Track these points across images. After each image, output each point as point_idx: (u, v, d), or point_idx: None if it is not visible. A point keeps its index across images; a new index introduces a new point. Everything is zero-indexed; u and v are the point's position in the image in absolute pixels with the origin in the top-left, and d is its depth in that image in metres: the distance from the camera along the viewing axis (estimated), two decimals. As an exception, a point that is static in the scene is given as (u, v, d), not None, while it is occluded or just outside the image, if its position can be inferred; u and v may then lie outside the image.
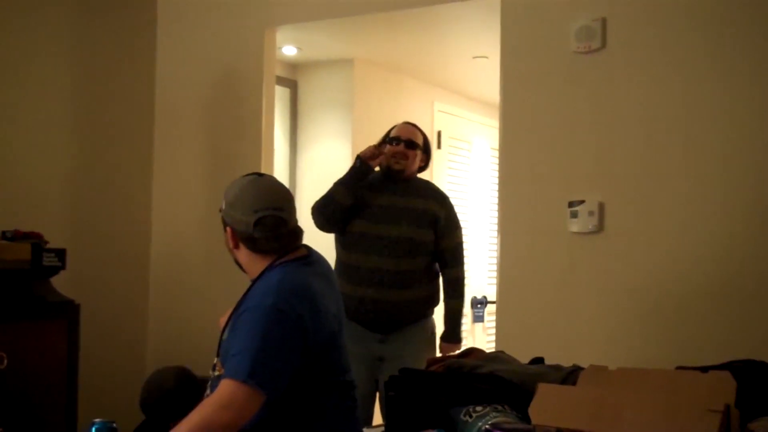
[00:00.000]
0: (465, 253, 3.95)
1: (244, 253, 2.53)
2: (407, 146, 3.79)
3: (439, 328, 3.90)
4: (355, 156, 3.86)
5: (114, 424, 2.35)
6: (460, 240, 3.90)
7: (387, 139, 3.83)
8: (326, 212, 3.68)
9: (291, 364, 2.35)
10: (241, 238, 2.50)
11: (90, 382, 3.51)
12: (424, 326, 3.79)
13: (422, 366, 3.44)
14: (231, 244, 2.54)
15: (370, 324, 3.64)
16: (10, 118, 3.99)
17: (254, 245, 2.49)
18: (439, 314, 3.91)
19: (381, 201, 3.74)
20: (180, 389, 3.19)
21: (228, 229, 2.53)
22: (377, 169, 3.80)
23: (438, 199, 3.87)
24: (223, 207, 2.53)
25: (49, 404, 3.46)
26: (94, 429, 2.32)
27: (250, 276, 2.53)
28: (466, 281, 6.13)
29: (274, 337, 2.32)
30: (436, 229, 3.78)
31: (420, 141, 3.86)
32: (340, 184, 3.70)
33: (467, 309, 6.29)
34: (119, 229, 4.55)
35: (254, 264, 2.51)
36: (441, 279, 3.87)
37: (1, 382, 3.28)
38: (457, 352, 3.00)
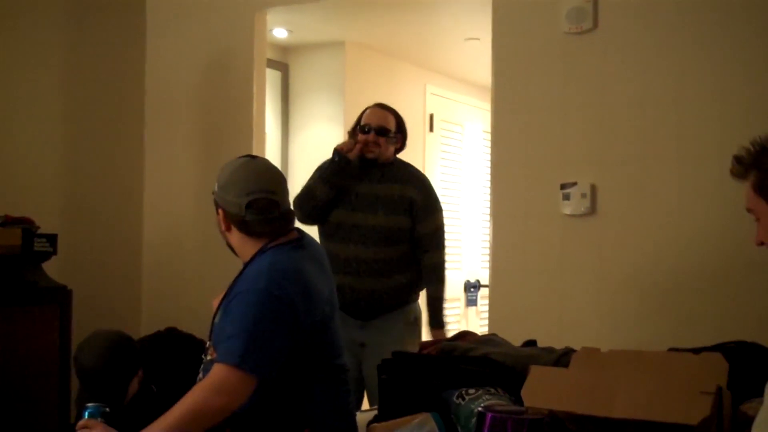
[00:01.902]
0: (447, 237, 3.83)
1: (236, 236, 2.52)
2: (378, 133, 3.67)
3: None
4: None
5: (107, 408, 2.35)
6: (439, 224, 3.78)
7: (358, 127, 3.73)
8: (306, 208, 3.62)
9: (283, 348, 2.35)
10: (233, 220, 2.49)
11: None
12: (406, 312, 3.72)
13: (406, 350, 3.49)
14: (223, 227, 2.53)
15: (349, 311, 3.58)
16: (1, 104, 3.97)
17: (246, 228, 2.48)
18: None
19: (359, 188, 3.66)
20: (108, 368, 2.82)
21: (220, 211, 2.52)
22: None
23: (415, 184, 3.74)
24: (216, 189, 2.52)
25: (41, 390, 3.45)
26: (86, 413, 2.32)
27: (242, 259, 2.52)
28: (459, 264, 6.20)
29: (266, 320, 2.32)
30: (413, 214, 3.68)
31: (392, 125, 3.73)
32: (319, 180, 3.63)
33: (461, 293, 6.30)
34: (111, 214, 4.54)
35: (246, 247, 2.50)
36: (421, 264, 3.73)
37: (-7, 368, 3.28)
38: (450, 335, 2.99)
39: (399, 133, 3.76)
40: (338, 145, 3.67)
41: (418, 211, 3.68)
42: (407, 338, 3.62)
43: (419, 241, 3.70)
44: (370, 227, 3.62)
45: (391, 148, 3.74)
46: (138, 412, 2.81)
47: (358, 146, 3.63)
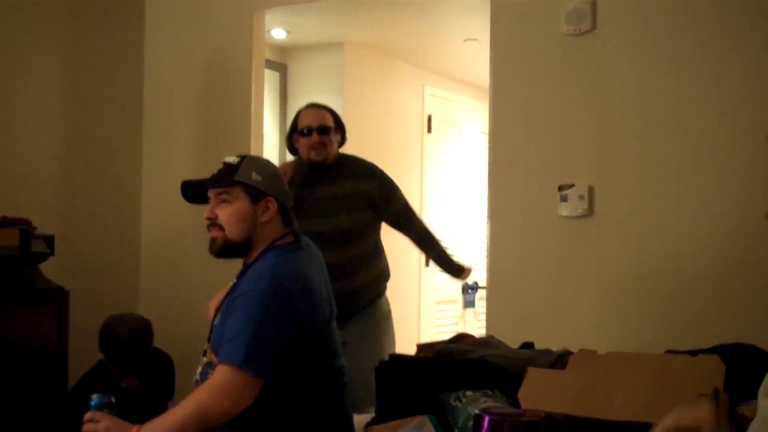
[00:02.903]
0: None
1: (270, 227, 2.51)
2: (320, 133, 3.60)
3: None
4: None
5: (112, 399, 2.34)
6: (404, 201, 3.78)
7: (296, 130, 3.66)
8: None
9: (286, 349, 2.35)
10: (282, 209, 2.53)
11: (80, 368, 3.50)
12: (380, 305, 3.74)
13: (384, 345, 3.65)
14: (265, 218, 2.50)
15: None
16: (-2, 103, 3.98)
17: (288, 218, 2.56)
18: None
19: (314, 194, 3.61)
20: (133, 341, 3.23)
21: (271, 199, 2.50)
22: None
23: (367, 175, 3.70)
24: (261, 179, 2.49)
25: (38, 391, 3.45)
26: (92, 404, 2.32)
27: (249, 256, 2.51)
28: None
29: (269, 321, 2.32)
30: (377, 204, 3.67)
31: (331, 122, 3.67)
32: None
33: (458, 295, 6.30)
34: (109, 215, 4.53)
35: (266, 240, 2.50)
36: (410, 240, 3.80)
37: (-10, 369, 3.27)
38: (447, 338, 2.99)
39: (338, 128, 3.71)
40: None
41: (379, 201, 3.68)
42: (384, 331, 3.71)
43: (396, 222, 3.74)
44: (332, 231, 3.56)
45: (335, 146, 3.68)
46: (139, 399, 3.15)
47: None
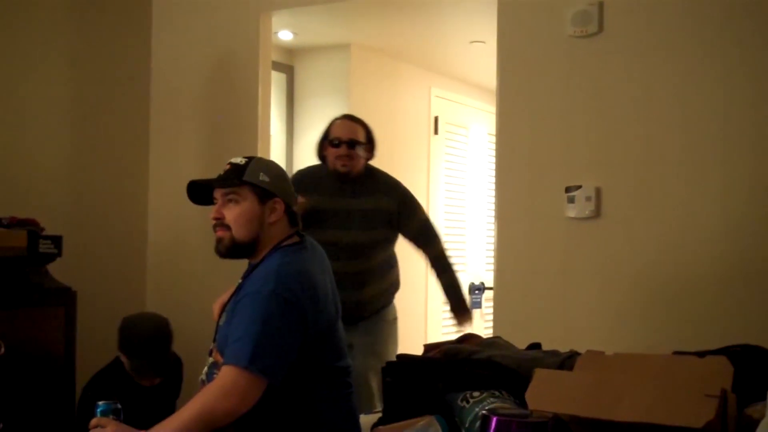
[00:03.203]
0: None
1: (277, 228, 2.52)
2: (349, 146, 3.63)
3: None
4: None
5: (118, 405, 2.34)
6: (423, 218, 3.83)
7: (327, 140, 3.70)
8: None
9: (292, 350, 2.35)
10: (288, 211, 2.54)
11: (87, 369, 3.50)
12: (387, 312, 3.81)
13: (389, 349, 3.71)
14: (272, 218, 2.51)
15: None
16: (6, 105, 3.97)
17: (294, 219, 2.57)
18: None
19: (332, 205, 3.64)
20: (154, 340, 3.30)
21: (278, 200, 2.51)
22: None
23: (388, 192, 3.74)
24: (269, 180, 2.50)
25: (46, 392, 3.46)
26: (98, 410, 2.32)
27: (255, 256, 2.52)
28: (464, 267, 6.20)
29: (274, 322, 2.32)
30: (395, 221, 3.71)
31: (362, 136, 3.69)
32: None
33: (465, 295, 6.28)
34: (116, 216, 4.54)
35: (272, 241, 2.51)
36: (426, 259, 3.85)
37: (-2, 370, 3.28)
38: (454, 338, 2.99)
39: (369, 143, 3.73)
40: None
41: (399, 218, 3.71)
42: (390, 337, 3.78)
43: (415, 240, 3.79)
44: (345, 244, 3.59)
45: (362, 160, 3.70)
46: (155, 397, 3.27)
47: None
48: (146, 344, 3.27)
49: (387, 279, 3.80)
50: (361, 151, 3.67)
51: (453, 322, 3.94)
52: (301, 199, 3.43)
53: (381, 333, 3.76)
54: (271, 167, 2.58)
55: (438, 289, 3.94)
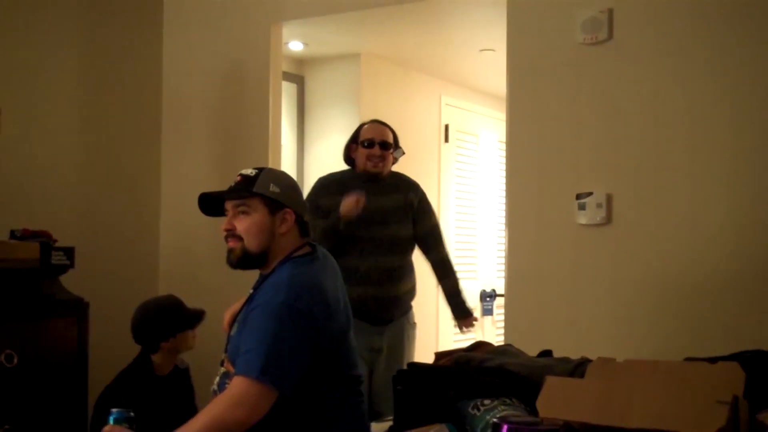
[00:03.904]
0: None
1: (288, 239, 2.54)
2: (382, 147, 3.81)
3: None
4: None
5: (131, 413, 2.35)
6: (435, 222, 4.00)
7: (358, 141, 3.84)
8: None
9: (303, 360, 2.35)
10: (299, 221, 2.55)
11: (100, 380, 3.52)
12: (409, 316, 3.94)
13: (412, 353, 3.88)
14: (282, 229, 2.52)
15: (371, 319, 3.70)
16: (18, 116, 4.00)
17: (305, 229, 2.58)
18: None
19: (369, 204, 3.72)
20: (161, 314, 3.48)
21: (289, 211, 2.53)
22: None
23: (412, 189, 3.94)
24: (279, 190, 2.52)
25: (58, 402, 3.47)
26: (111, 419, 2.32)
27: (266, 267, 2.52)
28: (475, 274, 6.20)
29: (286, 333, 2.32)
30: (414, 215, 3.88)
31: (392, 139, 3.88)
32: (324, 239, 3.53)
33: (476, 302, 6.29)
34: (128, 227, 4.56)
35: (283, 251, 2.52)
36: (429, 263, 3.97)
37: (12, 381, 3.29)
38: (465, 345, 3.00)
39: (396, 147, 3.93)
40: (344, 211, 3.64)
41: (416, 213, 3.88)
42: (412, 341, 3.91)
43: (423, 241, 3.92)
44: (385, 238, 3.75)
45: (391, 162, 3.89)
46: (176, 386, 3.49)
47: (361, 200, 3.64)
48: (171, 308, 3.50)
49: (412, 279, 3.94)
50: (390, 153, 3.85)
51: (456, 326, 4.09)
52: (358, 198, 3.61)
53: (406, 337, 3.89)
54: (282, 178, 2.59)
55: (441, 294, 4.06)
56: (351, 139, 3.90)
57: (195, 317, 3.50)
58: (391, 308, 3.81)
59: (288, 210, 2.52)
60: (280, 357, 2.31)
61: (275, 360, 2.29)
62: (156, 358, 3.45)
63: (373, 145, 3.80)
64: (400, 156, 3.91)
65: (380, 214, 3.76)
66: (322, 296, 2.43)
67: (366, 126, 3.91)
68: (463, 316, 3.98)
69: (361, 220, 3.67)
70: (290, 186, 2.59)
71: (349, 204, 3.64)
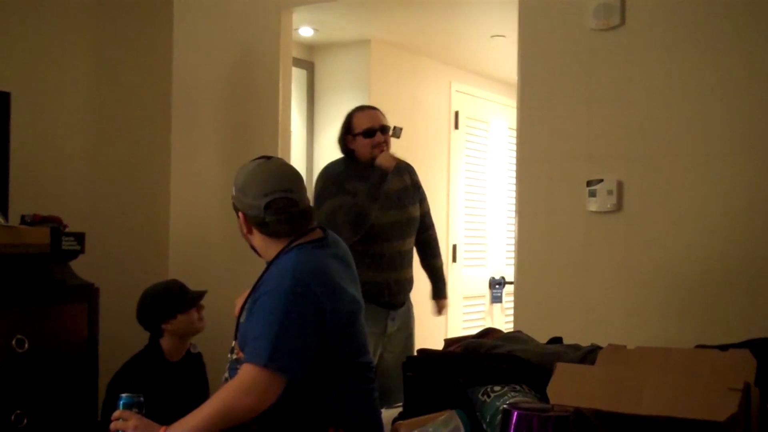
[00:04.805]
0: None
1: (258, 238, 2.53)
2: (383, 132, 3.80)
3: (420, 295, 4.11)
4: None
5: (141, 398, 2.36)
6: (428, 207, 4.07)
7: (351, 134, 3.80)
8: (361, 230, 3.61)
9: (310, 347, 2.35)
10: (254, 222, 2.50)
11: (110, 365, 3.53)
12: (410, 301, 3.98)
13: (415, 341, 3.93)
14: (244, 230, 2.55)
15: (387, 304, 3.71)
16: (29, 102, 4.00)
17: (267, 229, 2.49)
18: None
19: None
20: (161, 296, 3.50)
21: (240, 214, 2.53)
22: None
23: (411, 171, 3.98)
24: (234, 193, 2.53)
25: (69, 387, 3.48)
26: (121, 403, 2.34)
27: (266, 259, 2.53)
28: (485, 261, 6.21)
29: (292, 319, 2.32)
30: (420, 197, 3.97)
31: (386, 120, 3.87)
32: (368, 200, 3.60)
33: (485, 290, 6.30)
34: (138, 213, 4.57)
35: (269, 248, 2.51)
36: (423, 242, 4.02)
37: (22, 366, 3.30)
38: (475, 333, 3.00)
39: (394, 127, 3.91)
40: (383, 163, 3.67)
41: (420, 193, 3.98)
42: (413, 322, 3.97)
43: (422, 220, 3.97)
44: (404, 221, 3.81)
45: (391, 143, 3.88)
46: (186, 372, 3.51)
47: (392, 156, 3.71)
48: (175, 290, 3.51)
49: (413, 262, 3.99)
50: (389, 135, 3.83)
51: (434, 309, 4.16)
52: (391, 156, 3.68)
53: (410, 318, 3.95)
54: (239, 177, 2.56)
55: (424, 273, 4.13)
56: (344, 130, 3.84)
57: (193, 298, 3.49)
58: (407, 291, 3.88)
59: (240, 214, 2.55)
60: (288, 343, 2.31)
61: (282, 346, 2.29)
62: (164, 342, 3.46)
63: (374, 133, 3.76)
64: (400, 133, 3.85)
65: (396, 197, 3.79)
66: (327, 281, 2.42)
67: (357, 115, 3.84)
68: (444, 296, 4.11)
69: (381, 205, 3.67)
70: (239, 187, 2.54)
71: (387, 156, 3.69)
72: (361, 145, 3.78)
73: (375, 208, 3.61)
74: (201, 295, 3.52)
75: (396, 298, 3.79)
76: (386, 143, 3.79)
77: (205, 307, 3.53)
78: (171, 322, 3.44)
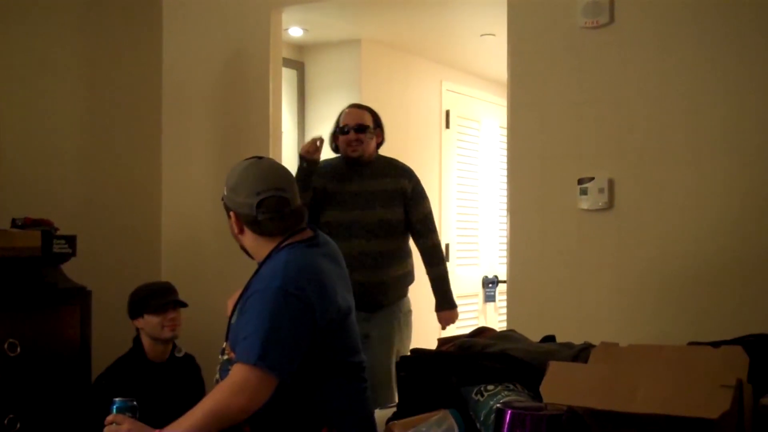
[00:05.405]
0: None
1: (249, 238, 2.53)
2: (357, 131, 3.84)
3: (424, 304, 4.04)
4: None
5: (134, 402, 2.35)
6: (429, 210, 4.01)
7: (337, 129, 3.91)
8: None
9: (301, 346, 2.35)
10: (246, 221, 2.50)
11: (102, 367, 3.52)
12: (402, 304, 3.94)
13: (404, 342, 3.87)
14: (236, 230, 2.55)
15: (357, 304, 3.67)
16: (19, 106, 3.99)
17: (259, 228, 2.49)
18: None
19: (351, 188, 3.83)
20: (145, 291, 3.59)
21: (232, 214, 2.53)
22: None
23: (405, 175, 3.95)
24: (225, 193, 2.54)
25: (62, 391, 3.47)
26: (114, 407, 2.33)
27: (257, 260, 2.53)
28: (477, 260, 6.19)
29: (283, 319, 2.32)
30: (408, 202, 3.89)
31: (369, 121, 3.91)
32: (300, 192, 3.61)
33: (478, 289, 6.29)
34: (130, 214, 4.56)
35: (260, 247, 2.51)
36: (419, 250, 4.00)
37: (15, 370, 3.29)
38: (467, 331, 2.99)
39: (377, 128, 3.95)
40: (301, 150, 3.84)
41: (409, 200, 3.90)
42: (405, 329, 3.90)
43: (413, 227, 3.94)
44: (369, 222, 3.79)
45: (373, 144, 3.92)
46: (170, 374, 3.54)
47: (318, 148, 3.78)
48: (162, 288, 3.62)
49: (405, 265, 3.95)
50: (369, 135, 3.88)
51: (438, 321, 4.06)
52: (315, 138, 3.77)
53: (397, 325, 3.88)
54: (230, 177, 2.56)
55: (428, 281, 4.06)
56: (334, 127, 3.97)
57: (160, 304, 3.52)
58: (378, 294, 3.81)
59: (231, 212, 2.54)
60: (278, 342, 2.30)
61: (273, 346, 2.29)
62: (144, 342, 3.54)
63: (349, 130, 3.85)
64: (322, 144, 3.85)
65: (365, 198, 3.81)
66: (317, 280, 2.41)
67: (344, 112, 3.96)
68: (448, 307, 4.00)
69: (346, 203, 3.76)
70: (231, 186, 2.54)
71: (308, 143, 3.79)
72: (341, 142, 3.90)
73: (305, 197, 3.58)
74: (168, 303, 3.53)
75: (366, 299, 3.67)
76: (360, 142, 3.83)
77: (181, 322, 3.58)
78: (139, 320, 3.52)
